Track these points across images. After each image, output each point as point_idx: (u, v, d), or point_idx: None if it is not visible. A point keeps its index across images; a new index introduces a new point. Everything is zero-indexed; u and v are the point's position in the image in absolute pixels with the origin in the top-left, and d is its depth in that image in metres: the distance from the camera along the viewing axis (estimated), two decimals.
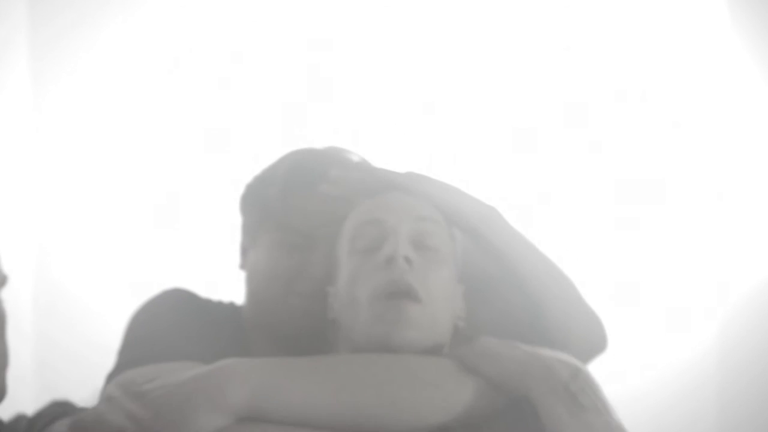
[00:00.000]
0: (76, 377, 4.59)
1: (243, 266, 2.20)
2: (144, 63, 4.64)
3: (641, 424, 4.52)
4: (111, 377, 2.05)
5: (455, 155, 4.57)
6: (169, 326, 2.02)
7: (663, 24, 4.51)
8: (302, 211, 2.01)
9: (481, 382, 1.72)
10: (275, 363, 1.67)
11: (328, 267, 1.92)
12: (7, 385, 1.77)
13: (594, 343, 2.08)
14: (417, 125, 4.60)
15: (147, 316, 2.16)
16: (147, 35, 4.64)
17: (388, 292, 1.72)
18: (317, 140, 4.54)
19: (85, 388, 4.59)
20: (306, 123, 4.62)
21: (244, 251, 2.21)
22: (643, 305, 4.51)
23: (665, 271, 4.51)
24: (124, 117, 4.64)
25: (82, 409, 1.94)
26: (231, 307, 2.20)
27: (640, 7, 4.52)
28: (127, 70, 4.64)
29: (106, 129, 4.65)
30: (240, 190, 2.42)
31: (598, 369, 4.51)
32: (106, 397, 1.83)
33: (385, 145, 4.59)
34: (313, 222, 1.99)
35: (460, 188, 2.03)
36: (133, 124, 4.64)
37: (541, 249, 2.03)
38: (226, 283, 4.02)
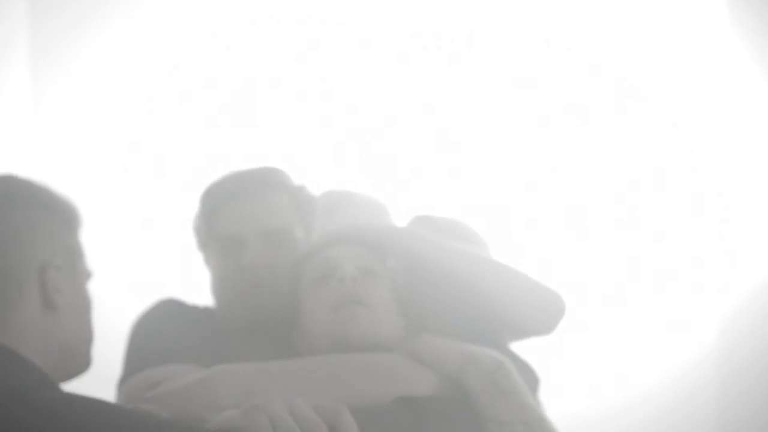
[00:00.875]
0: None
1: (209, 281, 2.47)
2: (144, 63, 4.65)
3: (643, 425, 4.53)
4: (122, 383, 2.29)
5: (454, 150, 4.59)
6: (165, 334, 2.28)
7: (663, 24, 4.52)
8: (223, 220, 2.34)
9: (426, 370, 2.09)
10: (258, 367, 1.99)
11: (265, 256, 2.28)
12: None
13: (548, 312, 2.39)
14: (415, 124, 4.61)
15: (145, 327, 2.39)
16: (147, 35, 4.64)
17: (343, 302, 2.15)
18: (318, 139, 4.54)
19: (84, 387, 4.59)
20: (305, 124, 4.63)
21: (206, 264, 2.48)
22: (643, 305, 4.52)
23: (665, 271, 4.51)
24: (124, 117, 4.65)
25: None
26: (210, 310, 2.44)
27: (640, 7, 4.52)
28: (126, 71, 4.65)
29: (105, 129, 4.65)
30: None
31: (598, 369, 4.52)
32: (125, 399, 2.16)
33: (384, 143, 4.60)
34: (233, 225, 2.32)
35: (388, 226, 2.35)
36: (132, 124, 4.65)
37: (470, 251, 2.32)
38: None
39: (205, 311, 2.43)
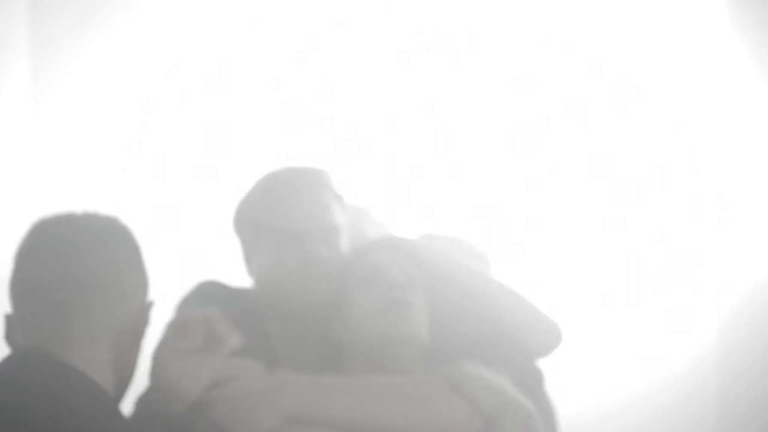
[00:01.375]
0: None
1: (251, 272, 2.58)
2: (143, 63, 4.64)
3: (643, 425, 4.53)
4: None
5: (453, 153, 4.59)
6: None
7: (663, 24, 4.51)
8: (286, 214, 2.45)
9: (462, 404, 2.27)
10: (318, 382, 2.25)
11: (322, 252, 2.44)
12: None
13: (548, 338, 2.61)
14: (416, 125, 4.60)
15: (187, 308, 2.53)
16: (146, 36, 4.64)
17: (394, 304, 2.37)
18: (317, 140, 4.55)
19: None
20: (305, 124, 4.63)
21: (248, 261, 2.58)
22: (643, 305, 4.52)
23: (665, 271, 4.51)
24: (124, 117, 4.65)
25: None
26: (251, 293, 2.56)
27: (640, 7, 4.52)
28: (126, 71, 4.65)
29: (105, 129, 4.65)
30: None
31: (598, 369, 4.53)
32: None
33: (385, 141, 4.60)
34: (297, 220, 2.45)
35: (424, 243, 2.58)
36: (132, 124, 4.65)
37: (491, 276, 2.60)
38: (220, 279, 4.02)
39: (245, 294, 2.55)
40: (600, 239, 4.54)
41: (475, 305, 2.51)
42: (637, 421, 4.51)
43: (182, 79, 4.64)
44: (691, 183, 4.50)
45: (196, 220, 4.63)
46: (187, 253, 4.62)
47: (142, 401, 2.09)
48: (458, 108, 4.59)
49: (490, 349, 2.44)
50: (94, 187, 4.64)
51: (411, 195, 4.60)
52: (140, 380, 2.07)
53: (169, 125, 4.64)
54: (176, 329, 2.10)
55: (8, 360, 1.80)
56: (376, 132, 4.61)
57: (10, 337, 1.87)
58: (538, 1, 4.54)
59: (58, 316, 1.80)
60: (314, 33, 4.61)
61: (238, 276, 2.70)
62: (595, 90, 4.53)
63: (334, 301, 2.44)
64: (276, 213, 2.48)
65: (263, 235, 2.50)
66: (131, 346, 1.92)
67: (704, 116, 4.49)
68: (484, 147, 4.58)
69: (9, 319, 1.88)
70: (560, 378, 4.54)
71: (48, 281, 1.83)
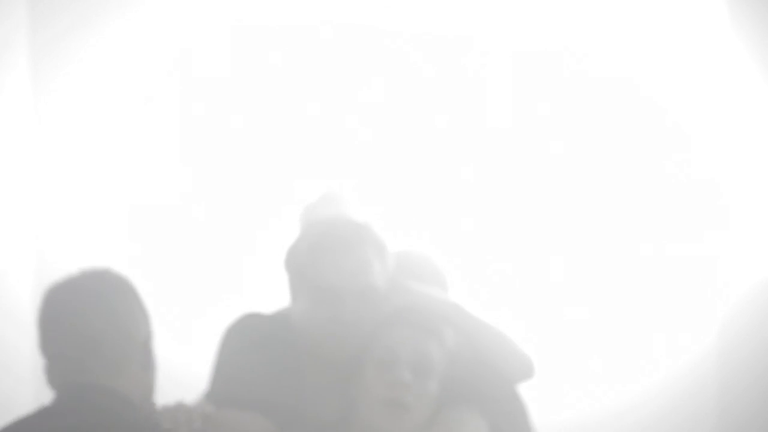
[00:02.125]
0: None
1: (294, 309, 2.74)
2: (143, 63, 4.65)
3: (643, 425, 4.54)
4: (209, 398, 2.70)
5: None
6: (251, 362, 2.66)
7: (663, 24, 4.52)
8: (327, 273, 2.62)
9: None
10: None
11: (358, 312, 2.61)
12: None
13: (521, 369, 2.75)
14: (411, 130, 4.61)
15: (232, 350, 2.73)
16: (147, 36, 4.64)
17: (393, 404, 2.55)
18: (318, 143, 4.55)
19: None
20: (306, 126, 4.63)
21: (293, 299, 2.74)
22: (643, 305, 4.52)
23: (665, 271, 4.52)
24: (124, 117, 4.65)
25: None
26: (289, 321, 2.74)
27: (640, 7, 4.52)
28: (126, 71, 4.65)
29: (105, 129, 4.65)
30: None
31: (598, 370, 4.53)
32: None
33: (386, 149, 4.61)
34: (336, 280, 2.61)
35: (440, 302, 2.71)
36: (132, 124, 4.65)
37: (474, 315, 2.73)
38: (222, 279, 4.06)
39: (283, 323, 2.73)
40: (600, 239, 4.54)
41: (470, 347, 2.69)
42: (638, 421, 4.51)
43: (182, 79, 4.64)
44: (691, 183, 4.50)
45: (195, 219, 4.63)
46: (185, 252, 4.63)
47: None
48: (458, 112, 4.60)
49: (473, 383, 2.66)
50: (93, 187, 4.65)
51: (410, 198, 4.60)
52: None
53: (169, 125, 4.64)
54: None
55: (72, 392, 2.38)
56: (377, 135, 4.61)
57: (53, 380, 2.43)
58: (538, 3, 4.54)
59: (97, 362, 2.39)
60: (314, 34, 4.61)
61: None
62: (595, 90, 4.53)
63: (360, 357, 2.61)
64: (318, 270, 2.63)
65: (305, 286, 2.65)
66: (146, 369, 2.50)
67: (704, 116, 4.49)
68: (485, 146, 4.59)
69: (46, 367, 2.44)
70: (560, 379, 4.55)
71: (77, 338, 2.40)
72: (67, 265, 4.61)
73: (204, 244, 4.61)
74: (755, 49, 4.36)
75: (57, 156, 4.65)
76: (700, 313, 4.50)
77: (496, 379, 2.70)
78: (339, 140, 4.63)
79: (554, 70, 4.55)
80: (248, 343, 2.68)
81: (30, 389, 4.49)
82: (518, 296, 4.56)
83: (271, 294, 4.54)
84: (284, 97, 4.63)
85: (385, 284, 2.64)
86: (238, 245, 4.61)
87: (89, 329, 2.41)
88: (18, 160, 4.53)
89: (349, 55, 4.61)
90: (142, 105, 4.65)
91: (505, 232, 4.58)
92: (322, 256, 2.61)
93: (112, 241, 4.64)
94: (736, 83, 4.39)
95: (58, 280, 2.60)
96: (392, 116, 4.61)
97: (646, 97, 4.52)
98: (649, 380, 4.51)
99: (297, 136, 4.64)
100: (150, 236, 4.63)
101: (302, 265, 2.65)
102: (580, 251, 4.55)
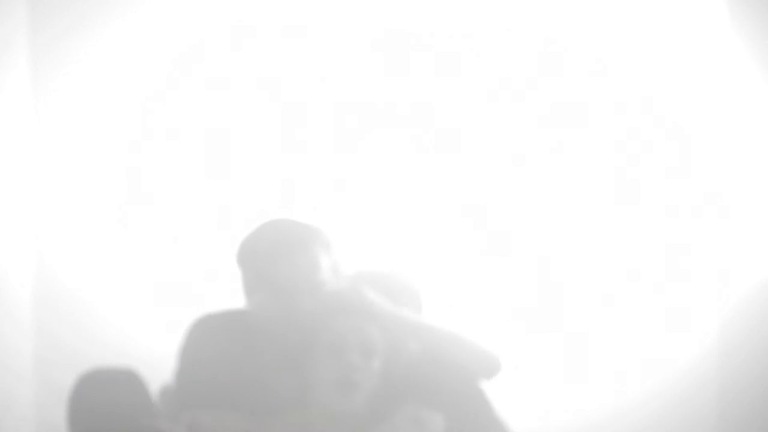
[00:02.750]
0: (76, 375, 4.58)
1: (249, 303, 3.03)
2: (143, 63, 4.65)
3: (643, 425, 4.53)
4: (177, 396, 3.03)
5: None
6: (214, 360, 2.96)
7: (663, 24, 4.52)
8: (283, 271, 2.92)
9: None
10: None
11: (311, 306, 2.92)
12: None
13: (486, 367, 3.00)
14: (414, 123, 4.61)
15: (195, 349, 3.01)
16: (146, 36, 4.64)
17: (346, 385, 2.88)
18: (318, 142, 4.55)
19: None
20: (306, 124, 4.63)
21: (248, 294, 3.02)
22: (643, 305, 4.52)
23: (665, 270, 4.51)
24: (124, 117, 4.65)
25: None
26: (248, 316, 3.02)
27: (640, 7, 4.52)
28: (127, 71, 4.65)
29: (105, 129, 4.65)
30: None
31: (598, 370, 4.52)
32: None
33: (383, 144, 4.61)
34: (294, 280, 2.92)
35: (385, 309, 2.98)
36: (132, 124, 4.65)
37: (435, 324, 3.01)
38: (221, 278, 4.06)
39: (241, 318, 3.02)
40: (600, 239, 4.54)
41: (427, 349, 2.97)
42: (638, 421, 4.51)
43: (182, 79, 4.64)
44: (691, 183, 4.50)
45: (193, 219, 4.63)
46: (184, 252, 4.63)
47: None
48: (456, 107, 4.59)
49: (432, 384, 2.93)
50: (92, 187, 4.65)
51: (410, 196, 4.60)
52: None
53: (169, 125, 4.64)
54: None
55: None
56: (374, 131, 4.61)
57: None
58: (539, 1, 4.55)
59: None
60: (313, 35, 4.61)
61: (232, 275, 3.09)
62: (595, 90, 4.53)
63: (311, 338, 2.92)
64: (275, 270, 2.93)
65: (262, 284, 2.95)
66: None
67: (704, 116, 4.49)
68: (484, 147, 4.58)
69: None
70: (560, 379, 4.55)
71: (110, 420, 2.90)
72: (68, 262, 4.62)
73: (203, 243, 4.61)
74: (755, 49, 4.36)
75: (57, 156, 4.64)
76: (700, 313, 4.50)
77: (457, 379, 2.95)
78: (339, 140, 4.63)
79: (554, 70, 4.55)
80: (209, 342, 2.98)
81: (30, 389, 4.49)
82: (518, 296, 4.56)
83: None
84: (284, 96, 4.63)
85: (330, 274, 2.96)
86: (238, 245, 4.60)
87: (125, 404, 2.86)
88: (18, 160, 4.53)
89: (349, 55, 4.61)
90: (142, 105, 4.65)
91: (505, 232, 4.57)
92: (278, 257, 2.92)
93: (112, 240, 4.64)
94: (736, 83, 4.38)
95: (90, 371, 2.97)
96: (392, 116, 4.61)
97: (645, 97, 4.52)
98: (650, 380, 4.51)
99: (297, 136, 4.64)
100: (149, 236, 4.63)
101: (259, 265, 2.94)
102: (580, 251, 4.55)
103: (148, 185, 4.64)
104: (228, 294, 4.54)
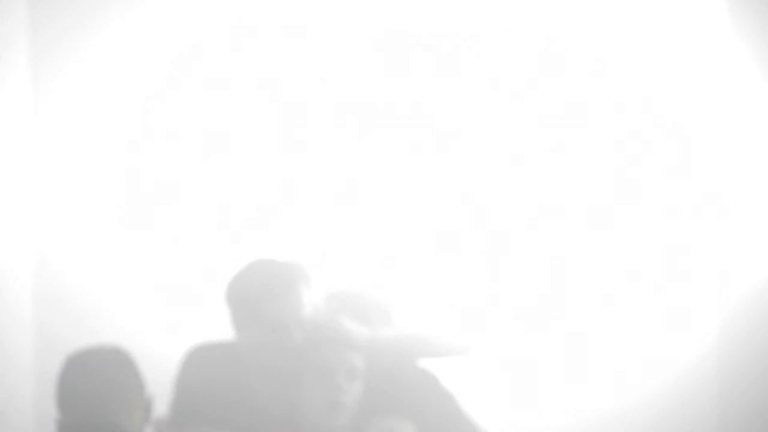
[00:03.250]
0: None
1: (240, 337, 3.28)
2: (143, 63, 4.65)
3: (643, 425, 4.53)
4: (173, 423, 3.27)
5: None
6: (209, 389, 3.23)
7: (663, 24, 4.52)
8: (276, 312, 3.20)
9: None
10: None
11: (299, 339, 3.22)
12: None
13: (458, 349, 3.31)
14: (414, 123, 4.61)
15: (191, 378, 3.28)
16: (147, 36, 4.65)
17: (335, 405, 3.20)
18: (318, 142, 4.54)
19: None
20: (306, 124, 4.63)
21: (239, 329, 3.27)
22: (643, 305, 4.52)
23: (665, 271, 4.51)
24: (124, 117, 4.65)
25: None
26: (238, 348, 3.29)
27: (640, 7, 4.52)
28: (127, 71, 4.65)
29: (105, 129, 4.65)
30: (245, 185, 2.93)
31: (598, 370, 4.52)
32: None
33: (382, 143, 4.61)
34: (285, 318, 3.20)
35: (366, 335, 3.27)
36: (132, 124, 4.65)
37: (405, 332, 3.31)
38: (221, 278, 4.07)
39: (232, 351, 3.29)
40: (600, 239, 4.54)
41: (397, 361, 3.26)
42: (638, 421, 4.51)
43: (182, 78, 4.64)
44: (691, 183, 4.50)
45: (193, 219, 4.63)
46: (184, 252, 4.63)
47: None
48: (457, 108, 4.60)
49: (403, 394, 3.24)
50: (93, 187, 4.65)
51: (409, 195, 4.61)
52: None
53: (169, 125, 4.64)
54: None
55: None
56: (374, 131, 4.62)
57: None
58: (539, 1, 4.55)
59: (114, 406, 2.89)
60: (313, 34, 4.61)
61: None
62: (595, 90, 4.53)
63: (300, 367, 3.22)
64: (265, 308, 3.21)
65: (253, 321, 3.22)
66: (145, 420, 2.94)
67: (704, 116, 4.50)
68: (484, 146, 4.59)
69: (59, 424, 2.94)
70: (560, 379, 4.55)
71: (99, 387, 2.92)
72: (68, 261, 4.62)
73: (203, 243, 4.61)
74: (755, 49, 4.36)
75: (57, 156, 4.65)
76: (700, 313, 4.50)
77: (426, 386, 3.25)
78: (339, 140, 4.63)
79: (554, 70, 4.55)
80: (203, 373, 3.25)
81: (31, 387, 4.49)
82: (518, 296, 4.56)
83: None
84: (284, 96, 4.63)
85: (312, 308, 3.25)
86: (236, 245, 4.61)
87: (111, 380, 2.90)
88: (18, 159, 4.53)
89: (349, 55, 4.61)
90: (142, 105, 4.65)
91: (505, 232, 4.58)
92: (266, 297, 3.20)
93: (112, 240, 4.64)
94: (736, 83, 4.39)
95: (77, 352, 3.04)
96: (392, 116, 4.62)
97: (645, 97, 4.52)
98: (650, 380, 4.51)
99: (297, 136, 4.64)
100: (149, 236, 4.64)
101: (248, 304, 3.22)
102: (579, 251, 4.55)
103: (148, 185, 4.64)
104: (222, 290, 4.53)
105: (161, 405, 3.21)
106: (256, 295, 3.22)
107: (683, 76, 4.51)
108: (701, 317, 4.49)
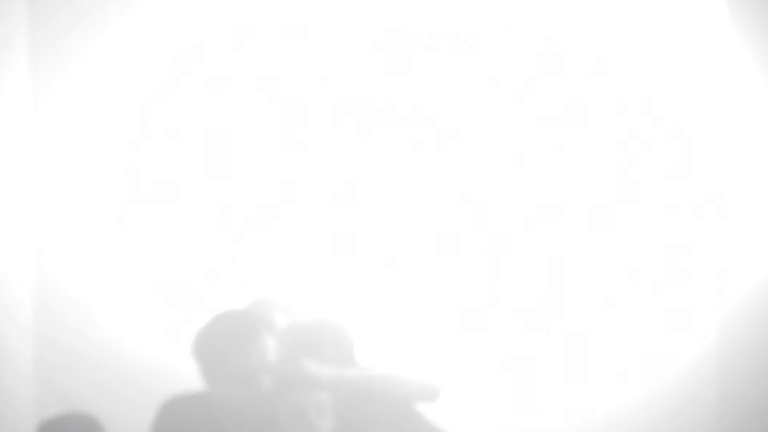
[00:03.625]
0: (76, 375, 4.59)
1: (212, 387, 3.40)
2: (143, 63, 4.65)
3: (643, 425, 4.54)
4: None
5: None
6: None
7: (663, 24, 4.52)
8: (242, 362, 3.33)
9: None
10: None
11: (268, 384, 3.36)
12: None
13: (424, 394, 3.45)
14: (411, 126, 4.61)
15: (166, 428, 3.41)
16: (146, 35, 4.64)
17: None
18: (318, 142, 4.54)
19: (84, 386, 4.59)
20: (306, 124, 4.63)
21: (210, 380, 3.39)
22: (643, 305, 4.52)
23: (665, 271, 4.52)
24: (124, 116, 4.65)
25: None
26: (212, 398, 3.41)
27: (640, 7, 4.52)
28: (126, 70, 4.65)
29: (105, 129, 4.65)
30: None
31: (598, 370, 4.53)
32: None
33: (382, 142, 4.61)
34: (251, 366, 3.33)
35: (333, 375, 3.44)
36: (132, 124, 4.65)
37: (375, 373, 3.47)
38: (220, 278, 4.06)
39: (206, 401, 3.42)
40: (600, 239, 4.54)
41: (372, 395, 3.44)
42: (638, 421, 4.51)
43: (182, 78, 4.64)
44: (691, 183, 4.50)
45: (192, 219, 4.63)
46: (184, 252, 4.63)
47: None
48: (457, 106, 4.60)
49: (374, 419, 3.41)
50: (93, 187, 4.65)
51: (408, 192, 4.61)
52: None
53: (169, 124, 4.64)
54: None
55: None
56: (374, 128, 4.62)
57: None
58: (539, 1, 4.55)
59: None
60: (312, 34, 4.61)
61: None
62: (595, 89, 4.53)
63: (271, 412, 3.37)
64: (233, 358, 3.34)
65: (222, 369, 3.35)
66: None
67: (704, 116, 4.50)
68: (484, 147, 4.59)
69: None
70: (560, 380, 4.55)
71: None
72: (68, 264, 4.62)
73: (203, 243, 4.61)
74: (755, 49, 4.36)
75: (57, 155, 4.64)
76: (700, 313, 4.50)
77: (394, 408, 3.41)
78: (339, 140, 4.64)
79: (554, 70, 4.55)
80: (179, 424, 3.37)
81: (30, 389, 4.49)
82: (518, 296, 4.56)
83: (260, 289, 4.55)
84: (284, 96, 4.63)
85: (275, 351, 3.41)
86: (235, 245, 4.61)
87: None
88: (18, 159, 4.53)
89: (349, 55, 4.61)
90: (142, 105, 4.65)
91: (505, 232, 4.58)
92: (232, 347, 3.34)
93: (112, 240, 4.64)
94: (736, 83, 4.38)
95: (49, 419, 3.13)
96: (392, 116, 4.62)
97: (646, 97, 4.52)
98: (650, 380, 4.51)
99: (297, 135, 4.64)
100: (149, 236, 4.64)
101: (215, 357, 3.35)
102: (580, 251, 4.55)
103: (148, 185, 4.64)
104: (227, 294, 4.55)
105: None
106: (222, 348, 3.37)
107: (683, 77, 4.51)
108: (701, 317, 4.49)
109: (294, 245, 4.62)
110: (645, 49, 4.52)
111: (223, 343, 3.37)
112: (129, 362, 4.56)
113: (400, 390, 3.43)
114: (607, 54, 4.53)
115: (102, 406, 3.94)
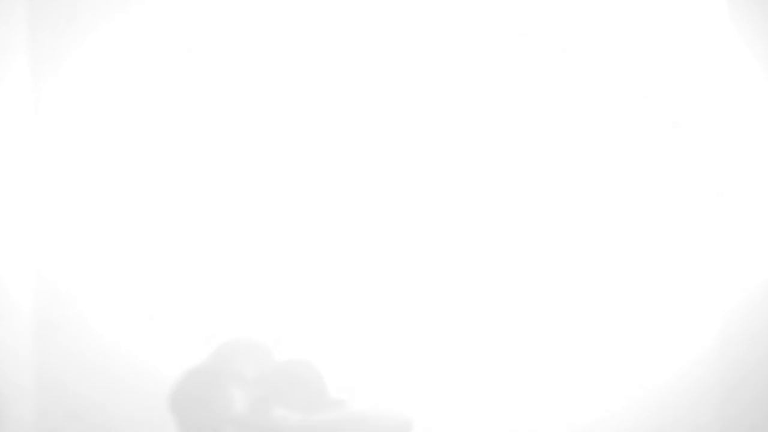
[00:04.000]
0: (76, 376, 4.60)
1: None
2: (143, 63, 4.65)
3: (643, 425, 4.54)
4: None
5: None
6: None
7: (663, 24, 4.52)
8: (210, 416, 3.50)
9: None
10: None
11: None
12: None
13: (396, 428, 3.58)
14: (413, 122, 4.62)
15: None
16: (146, 35, 4.65)
17: None
18: (317, 141, 4.54)
19: (84, 386, 4.60)
20: (305, 123, 4.64)
21: None
22: (644, 305, 4.52)
23: (665, 271, 4.52)
24: (124, 116, 4.65)
25: None
26: None
27: (640, 7, 4.52)
28: (126, 70, 4.65)
29: (105, 129, 4.65)
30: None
31: (598, 370, 4.53)
32: None
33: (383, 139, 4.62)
34: (218, 421, 3.50)
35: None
36: (132, 124, 4.65)
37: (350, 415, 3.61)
38: (219, 278, 4.07)
39: None
40: (600, 239, 4.54)
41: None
42: (639, 422, 4.51)
43: (182, 78, 4.65)
44: (691, 182, 4.50)
45: (192, 219, 4.64)
46: (184, 252, 4.63)
47: None
48: (457, 108, 4.60)
49: None
50: (93, 187, 4.65)
51: (406, 181, 4.61)
52: None
53: (169, 124, 4.65)
54: None
55: None
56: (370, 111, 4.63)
57: None
58: (541, 2, 4.55)
59: None
60: (311, 29, 4.62)
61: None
62: (595, 89, 4.53)
63: None
64: (200, 413, 3.56)
65: (192, 425, 3.56)
66: None
67: (704, 115, 4.50)
68: (484, 144, 4.59)
69: None
70: (560, 380, 4.56)
71: None
72: (68, 265, 4.63)
73: (203, 243, 4.62)
74: (755, 48, 4.36)
75: (57, 156, 4.65)
76: (700, 313, 4.50)
77: None
78: (339, 138, 4.64)
79: (553, 70, 4.55)
80: None
81: (30, 390, 4.49)
82: (518, 296, 4.56)
83: (258, 297, 4.55)
84: (284, 96, 4.64)
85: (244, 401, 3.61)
86: (236, 247, 4.62)
87: None
88: (18, 160, 4.53)
89: (349, 52, 4.62)
90: (142, 104, 4.65)
91: (506, 232, 4.58)
92: (201, 402, 3.53)
93: (112, 241, 4.64)
94: (736, 82, 4.39)
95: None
96: (392, 114, 4.62)
97: (645, 96, 4.53)
98: (650, 381, 4.51)
99: (296, 135, 4.65)
100: (149, 236, 4.64)
101: (185, 413, 3.54)
102: (580, 251, 4.55)
103: (147, 185, 4.64)
104: (227, 293, 4.55)
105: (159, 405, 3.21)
106: (190, 404, 3.59)
107: (683, 75, 4.51)
108: (701, 317, 4.49)
109: (293, 245, 4.63)
110: (645, 49, 4.52)
111: (190, 399, 3.60)
112: (129, 363, 4.56)
113: (371, 428, 3.53)
114: (607, 54, 4.53)
115: (102, 407, 3.95)
